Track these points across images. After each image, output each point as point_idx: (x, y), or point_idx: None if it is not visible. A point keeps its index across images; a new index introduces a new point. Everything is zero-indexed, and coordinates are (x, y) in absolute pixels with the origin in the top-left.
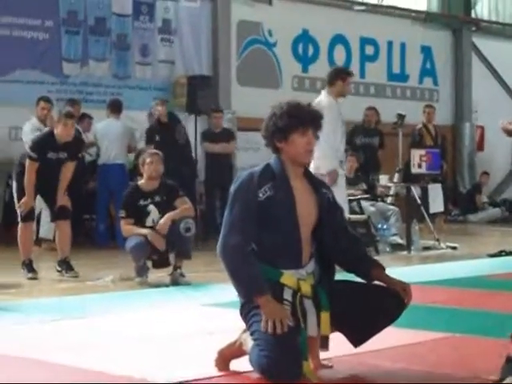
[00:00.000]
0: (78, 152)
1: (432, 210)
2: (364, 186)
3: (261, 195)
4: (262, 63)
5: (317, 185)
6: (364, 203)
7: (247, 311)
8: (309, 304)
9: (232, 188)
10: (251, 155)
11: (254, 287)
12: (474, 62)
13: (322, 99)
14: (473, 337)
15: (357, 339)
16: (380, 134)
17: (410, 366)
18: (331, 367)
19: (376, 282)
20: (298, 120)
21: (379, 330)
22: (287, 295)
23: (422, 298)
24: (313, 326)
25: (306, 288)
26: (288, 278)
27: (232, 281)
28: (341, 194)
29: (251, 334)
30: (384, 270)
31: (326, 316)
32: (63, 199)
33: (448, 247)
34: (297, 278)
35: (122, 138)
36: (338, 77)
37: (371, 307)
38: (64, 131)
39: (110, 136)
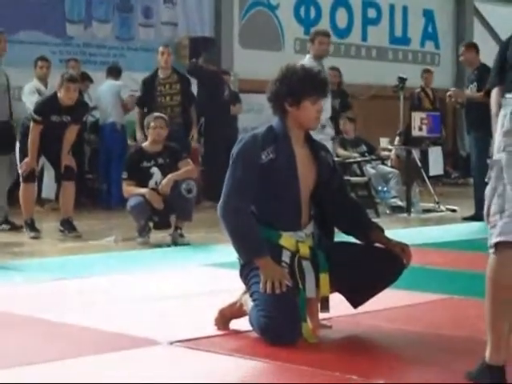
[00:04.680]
0: (82, 116)
1: (432, 173)
2: (364, 148)
3: (263, 157)
4: (264, 26)
5: (317, 148)
6: (365, 165)
7: (247, 272)
8: (307, 266)
9: (235, 149)
10: (253, 117)
11: (254, 249)
12: (475, 26)
13: (304, 61)
14: (471, 298)
15: (356, 300)
16: (342, 95)
17: (408, 327)
18: (330, 327)
19: (375, 244)
20: (314, 88)
21: (379, 291)
22: (285, 257)
23: (421, 260)
24: (311, 287)
25: (305, 250)
26: (287, 239)
27: (232, 242)
28: None
29: (251, 295)
30: (383, 231)
31: (324, 277)
32: (67, 158)
33: (448, 210)
34: (295, 240)
35: (114, 98)
36: (311, 38)
37: (370, 268)
38: (66, 95)
39: (105, 97)
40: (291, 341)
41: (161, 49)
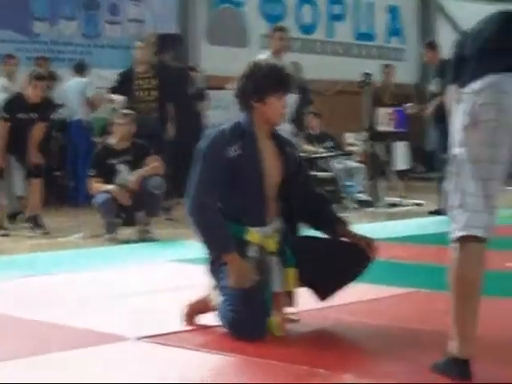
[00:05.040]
0: (49, 113)
1: (398, 168)
2: (330, 144)
3: (230, 153)
4: (231, 22)
5: (283, 144)
6: (331, 161)
7: (215, 268)
8: (274, 260)
9: (202, 145)
10: (220, 113)
11: (221, 244)
12: (440, 23)
13: (262, 57)
14: (437, 292)
15: (323, 294)
16: (302, 91)
17: (374, 321)
18: (297, 321)
19: (341, 238)
20: (279, 84)
21: (345, 284)
22: (252, 252)
23: (386, 254)
24: (278, 281)
25: (272, 245)
26: (253, 235)
27: (200, 238)
28: None
29: (219, 290)
30: (349, 226)
31: (291, 272)
32: (35, 156)
33: (413, 204)
34: (262, 235)
35: (80, 95)
36: (270, 34)
37: (337, 263)
38: (33, 93)
39: (71, 93)
40: (258, 335)
41: (138, 43)
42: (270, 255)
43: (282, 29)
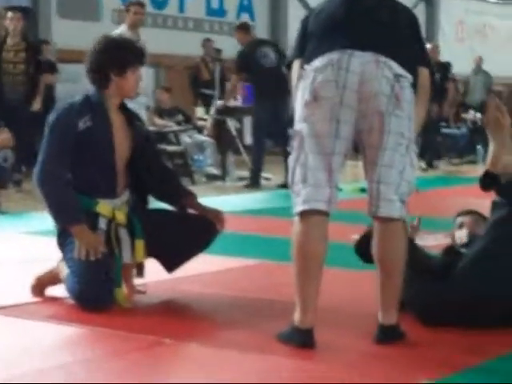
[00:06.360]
0: None
1: (247, 142)
2: (181, 118)
3: (80, 125)
4: None
5: (132, 118)
6: (181, 135)
7: (63, 239)
8: (123, 232)
9: (51, 117)
10: (70, 87)
11: (69, 215)
12: (290, 1)
13: (119, 31)
14: (284, 264)
15: (170, 265)
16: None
17: (222, 291)
18: (144, 293)
19: (190, 211)
20: (135, 57)
21: (192, 255)
22: (102, 224)
23: (235, 226)
24: (127, 253)
25: (121, 217)
26: (103, 206)
27: (48, 208)
28: None
29: (66, 262)
30: (196, 198)
31: (140, 243)
32: None
33: (262, 178)
34: (112, 207)
35: None
36: (126, 8)
37: (184, 234)
38: None
39: None
40: (105, 306)
41: (9, 14)
42: (120, 227)
43: (137, 3)
